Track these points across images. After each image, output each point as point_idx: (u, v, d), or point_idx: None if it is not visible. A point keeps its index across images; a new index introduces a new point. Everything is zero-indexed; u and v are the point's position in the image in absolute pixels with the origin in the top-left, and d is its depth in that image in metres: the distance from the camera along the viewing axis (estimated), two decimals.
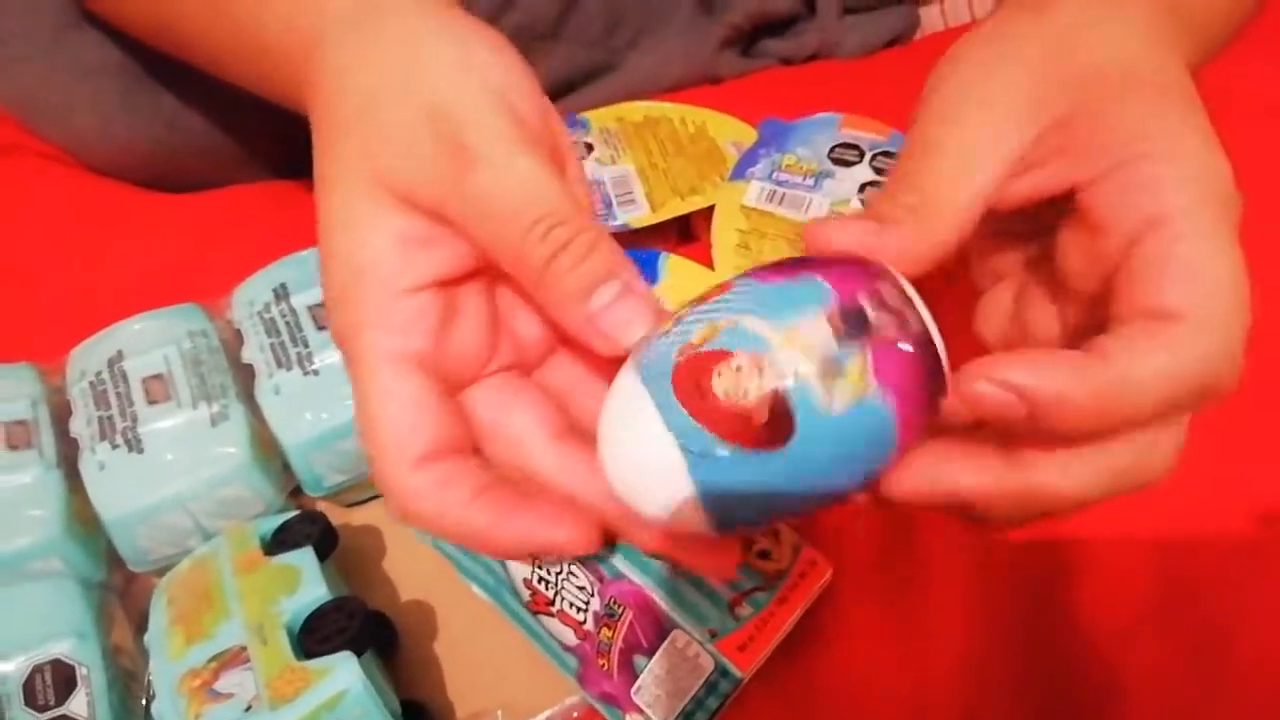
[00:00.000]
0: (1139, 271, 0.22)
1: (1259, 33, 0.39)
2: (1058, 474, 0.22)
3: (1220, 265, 0.22)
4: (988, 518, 0.23)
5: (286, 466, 0.38)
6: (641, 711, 0.30)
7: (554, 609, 0.31)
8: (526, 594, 0.32)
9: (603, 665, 0.30)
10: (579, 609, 0.30)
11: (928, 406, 0.21)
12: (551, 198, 0.25)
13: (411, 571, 0.38)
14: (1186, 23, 0.27)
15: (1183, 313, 0.21)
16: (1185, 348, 0.21)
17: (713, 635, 0.29)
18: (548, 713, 0.32)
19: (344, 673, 0.29)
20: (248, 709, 0.28)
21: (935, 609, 0.34)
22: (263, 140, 0.52)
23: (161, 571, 0.37)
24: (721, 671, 0.28)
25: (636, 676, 0.30)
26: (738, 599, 0.30)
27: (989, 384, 0.21)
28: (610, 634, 0.30)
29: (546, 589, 0.31)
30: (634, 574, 0.29)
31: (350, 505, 0.40)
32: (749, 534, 0.30)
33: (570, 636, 0.31)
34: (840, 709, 0.33)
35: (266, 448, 0.38)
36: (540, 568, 0.31)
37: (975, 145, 0.24)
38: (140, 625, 0.36)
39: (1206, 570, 0.33)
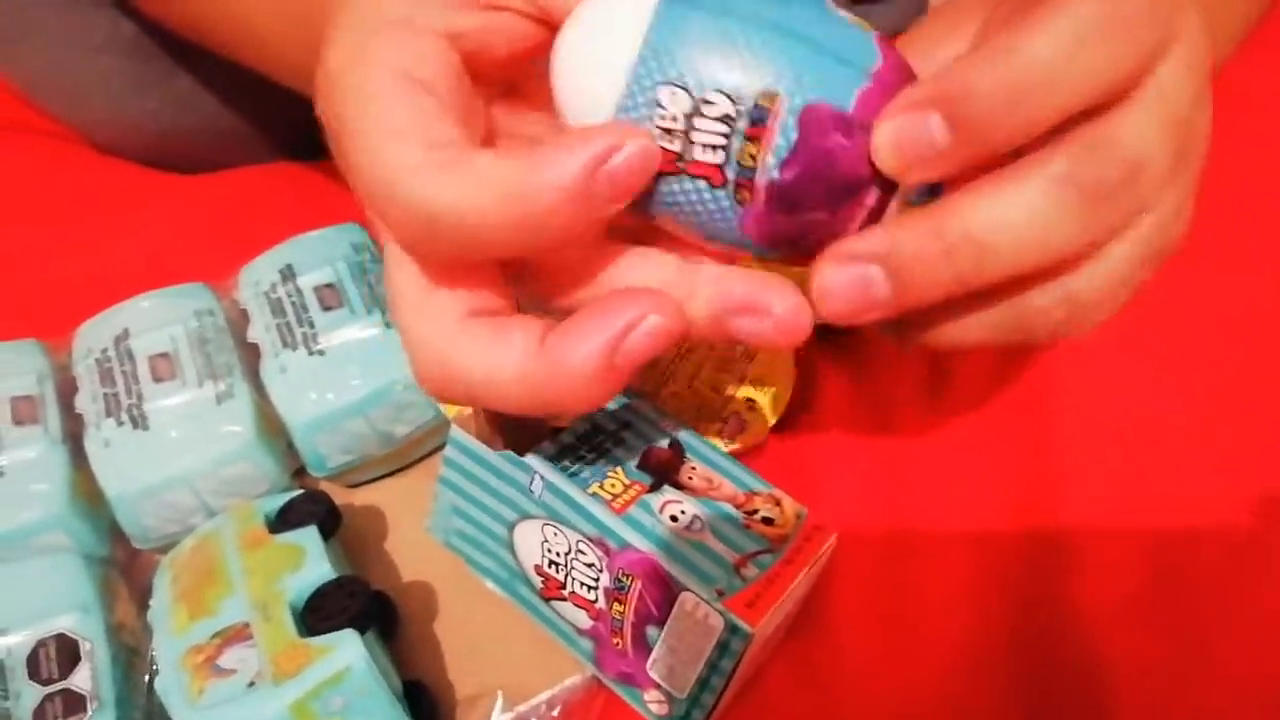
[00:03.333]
0: None
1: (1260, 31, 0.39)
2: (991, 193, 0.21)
3: None
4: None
5: (290, 446, 0.38)
6: (658, 686, 0.30)
7: (565, 592, 0.31)
8: (538, 581, 0.32)
9: (617, 644, 0.30)
10: (589, 587, 0.31)
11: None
12: None
13: (412, 553, 0.38)
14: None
15: None
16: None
17: (720, 594, 0.28)
18: (548, 694, 0.32)
19: (347, 650, 0.29)
20: (251, 684, 0.28)
21: (931, 600, 0.34)
22: (272, 122, 0.52)
23: (164, 549, 0.37)
24: (731, 629, 0.28)
25: (650, 650, 0.30)
26: (742, 561, 0.30)
27: (900, 117, 0.20)
28: (622, 608, 0.30)
29: (557, 572, 0.31)
30: (640, 541, 0.29)
31: (353, 486, 0.40)
32: None
33: (583, 619, 0.31)
34: (835, 701, 0.33)
35: (271, 427, 0.38)
36: (551, 552, 0.31)
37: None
38: (142, 601, 0.36)
39: (1197, 561, 0.33)
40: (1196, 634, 0.31)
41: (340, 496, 0.39)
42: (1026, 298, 0.22)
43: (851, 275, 0.21)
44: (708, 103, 0.21)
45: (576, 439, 0.32)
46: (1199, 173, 0.23)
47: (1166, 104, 0.21)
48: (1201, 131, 0.23)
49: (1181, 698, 0.31)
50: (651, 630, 0.30)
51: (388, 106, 0.21)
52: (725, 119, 0.21)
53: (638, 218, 0.23)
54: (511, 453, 0.31)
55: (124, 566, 0.38)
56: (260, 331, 0.39)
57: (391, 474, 0.41)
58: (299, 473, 0.40)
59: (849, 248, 0.22)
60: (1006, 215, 0.20)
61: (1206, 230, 0.37)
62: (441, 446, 0.40)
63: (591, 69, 0.22)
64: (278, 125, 0.52)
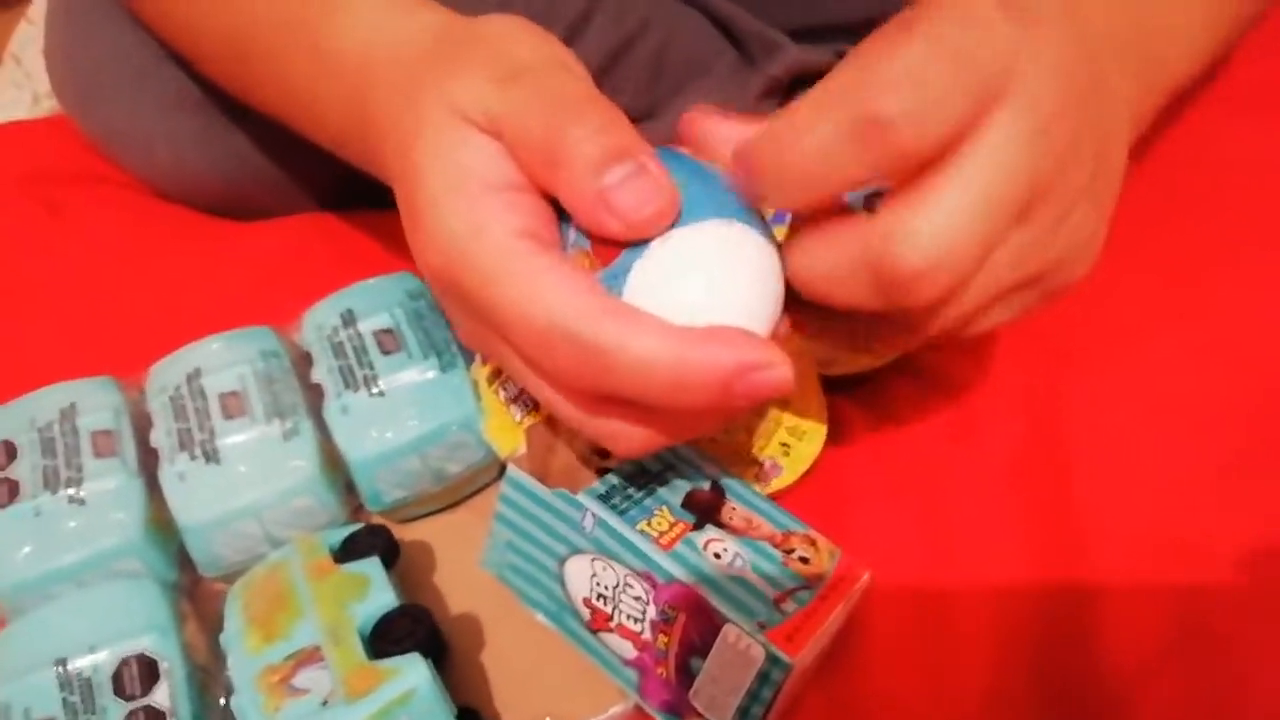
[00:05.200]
0: None
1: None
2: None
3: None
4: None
5: (349, 483, 0.41)
6: (700, 714, 0.32)
7: (612, 624, 0.33)
8: (587, 613, 0.34)
9: (661, 673, 0.32)
10: (636, 620, 0.33)
11: None
12: (575, 94, 0.27)
13: (461, 585, 0.40)
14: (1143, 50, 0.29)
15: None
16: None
17: (761, 627, 0.30)
18: None
19: (413, 672, 0.31)
20: (324, 703, 0.30)
21: (959, 642, 0.35)
22: (320, 175, 0.55)
23: (227, 577, 0.39)
24: (772, 660, 0.30)
25: (693, 680, 0.32)
26: (782, 597, 0.31)
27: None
28: (667, 639, 0.32)
29: (605, 605, 0.33)
30: (686, 576, 0.31)
31: (404, 521, 0.42)
32: None
33: (629, 650, 0.33)
34: None
35: (333, 464, 0.40)
36: (600, 585, 0.33)
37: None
38: (207, 625, 0.38)
39: (1226, 613, 0.33)
40: (1226, 691, 0.32)
41: (394, 531, 0.41)
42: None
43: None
44: None
45: (624, 479, 0.34)
46: (1076, 210, 0.26)
47: (987, 171, 0.24)
48: (1073, 178, 0.25)
49: None
50: (695, 661, 0.32)
51: (538, 266, 0.25)
52: None
53: None
54: (565, 491, 0.33)
55: (189, 592, 0.40)
56: (323, 373, 0.41)
57: (441, 510, 0.43)
58: (355, 509, 0.42)
59: None
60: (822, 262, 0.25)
61: (1229, 279, 0.39)
62: (490, 485, 0.43)
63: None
64: (325, 179, 0.55)
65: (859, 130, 0.23)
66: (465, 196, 0.27)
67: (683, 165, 0.27)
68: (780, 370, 0.24)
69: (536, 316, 0.25)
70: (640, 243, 0.26)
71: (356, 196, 0.53)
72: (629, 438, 0.27)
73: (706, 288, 0.25)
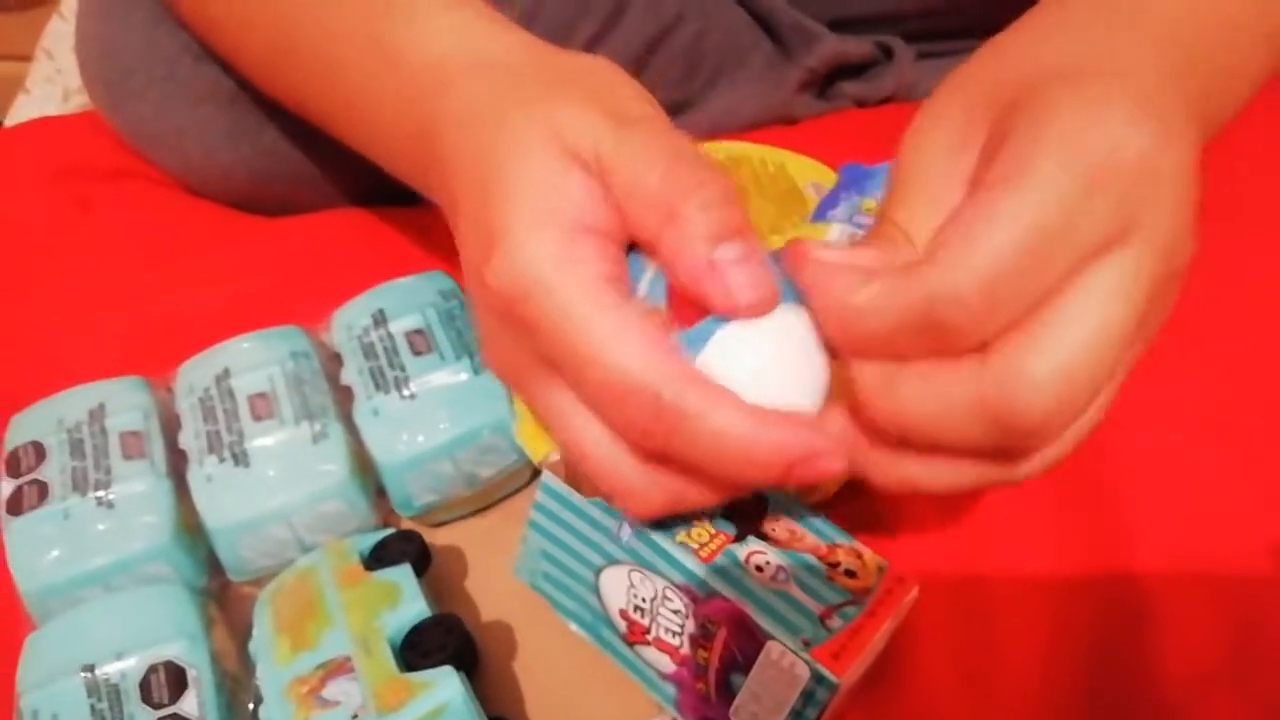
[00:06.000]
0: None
1: None
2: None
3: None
4: None
5: (379, 487, 0.40)
6: None
7: (650, 637, 0.32)
8: (623, 625, 0.33)
9: (701, 689, 0.31)
10: (674, 634, 0.32)
11: None
12: (695, 154, 0.26)
13: (492, 591, 0.40)
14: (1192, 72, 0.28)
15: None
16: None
17: (806, 644, 0.29)
18: None
19: (446, 686, 0.30)
20: (354, 717, 0.30)
21: (1007, 654, 0.34)
22: (353, 171, 0.54)
23: (257, 582, 0.39)
24: (818, 679, 0.29)
25: (734, 697, 0.31)
26: (827, 612, 0.30)
27: None
28: (706, 654, 0.31)
29: (642, 617, 0.32)
30: (727, 590, 0.30)
31: (436, 525, 0.42)
32: None
33: (667, 664, 0.32)
34: None
35: (363, 467, 0.39)
36: (637, 597, 0.32)
37: (932, 172, 0.27)
38: (236, 631, 0.38)
39: None
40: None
41: (424, 536, 0.41)
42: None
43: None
44: None
45: None
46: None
47: (1109, 310, 0.24)
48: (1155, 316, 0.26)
49: None
50: (736, 677, 0.31)
51: (628, 317, 0.25)
52: None
53: None
54: (602, 500, 0.32)
55: (218, 597, 0.40)
56: (353, 374, 0.41)
57: (473, 514, 0.42)
58: (386, 512, 0.41)
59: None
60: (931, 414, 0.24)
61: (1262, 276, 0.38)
62: (523, 489, 0.42)
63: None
64: (355, 175, 0.54)
65: (925, 327, 0.24)
66: (559, 228, 0.26)
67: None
68: (838, 462, 0.25)
69: (619, 367, 0.25)
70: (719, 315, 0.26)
71: (389, 193, 0.53)
72: (670, 493, 0.27)
73: (778, 370, 0.26)
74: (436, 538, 0.41)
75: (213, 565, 0.39)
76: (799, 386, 0.27)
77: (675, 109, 0.55)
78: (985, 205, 0.23)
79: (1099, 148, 0.23)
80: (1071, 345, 0.23)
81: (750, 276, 0.25)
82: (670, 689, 0.32)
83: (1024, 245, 0.23)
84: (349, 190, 0.55)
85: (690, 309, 0.26)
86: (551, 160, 0.27)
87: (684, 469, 0.26)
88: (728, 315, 0.26)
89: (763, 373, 0.26)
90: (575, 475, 0.34)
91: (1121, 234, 0.23)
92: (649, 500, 0.27)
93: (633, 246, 0.28)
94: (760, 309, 0.26)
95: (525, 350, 0.27)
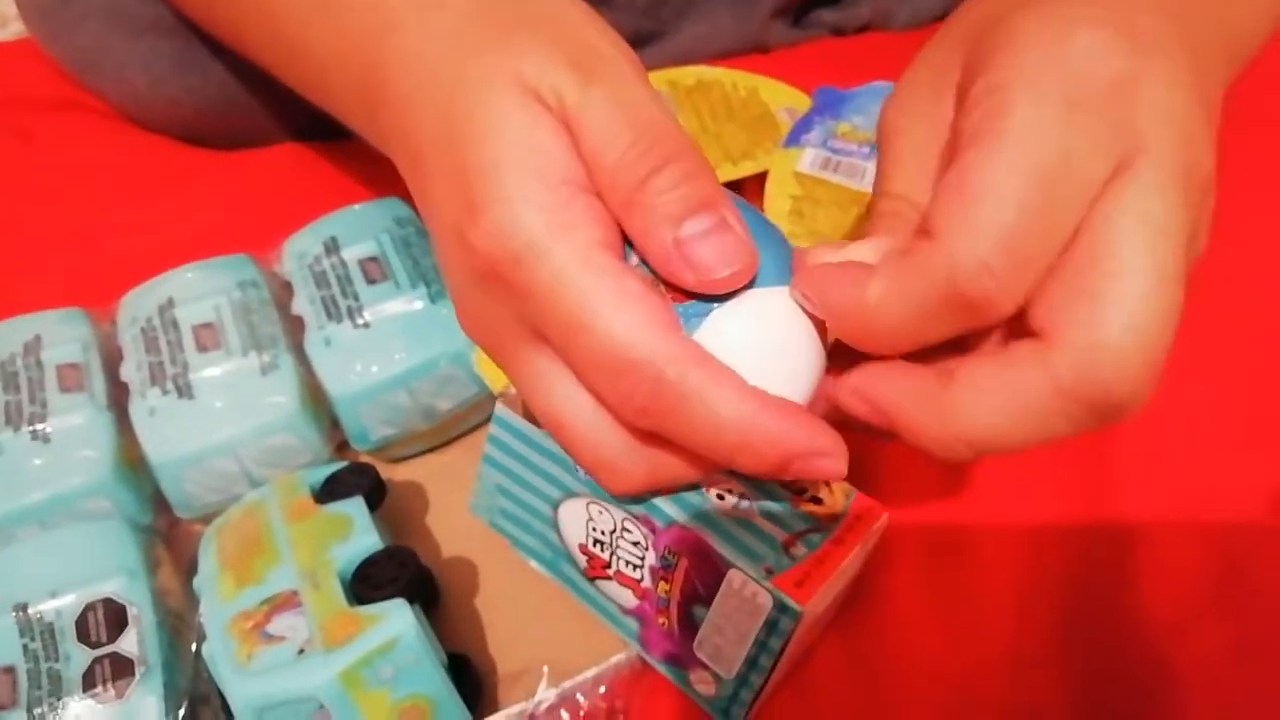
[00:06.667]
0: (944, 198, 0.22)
1: None
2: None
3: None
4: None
5: (334, 419, 0.38)
6: (705, 666, 0.30)
7: (610, 571, 0.31)
8: (583, 560, 0.32)
9: (663, 623, 0.30)
10: (635, 566, 0.30)
11: None
12: (660, 121, 0.24)
13: (453, 528, 0.38)
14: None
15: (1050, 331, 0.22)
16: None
17: (769, 573, 0.28)
18: (594, 671, 0.32)
19: (398, 619, 0.29)
20: (301, 651, 0.28)
21: (983, 595, 0.33)
22: (302, 104, 0.52)
23: (205, 519, 0.37)
24: (780, 608, 0.28)
25: (696, 630, 0.30)
26: (791, 540, 0.29)
27: (854, 397, 0.24)
28: (668, 587, 0.30)
29: (602, 551, 0.31)
30: (687, 519, 0.29)
31: (394, 461, 0.40)
32: None
33: (629, 598, 0.31)
34: (881, 696, 0.32)
35: (315, 399, 0.38)
36: (596, 530, 0.31)
37: (917, 127, 0.25)
38: (183, 569, 0.36)
39: (1267, 557, 0.32)
40: (1267, 636, 0.31)
41: (381, 471, 0.39)
42: None
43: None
44: None
45: None
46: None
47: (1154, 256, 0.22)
48: (1200, 223, 0.24)
49: (1251, 704, 0.30)
50: (698, 609, 0.30)
51: (628, 290, 0.23)
52: None
53: None
54: None
55: (165, 535, 0.38)
56: (304, 304, 0.39)
57: (433, 450, 0.41)
58: (341, 446, 0.40)
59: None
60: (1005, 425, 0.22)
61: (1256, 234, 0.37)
62: (484, 423, 0.41)
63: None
64: (307, 107, 0.52)
65: (953, 307, 0.22)
66: (548, 188, 0.24)
67: (754, 220, 0.26)
68: (839, 463, 0.24)
69: (619, 339, 0.23)
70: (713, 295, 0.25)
71: (337, 127, 0.50)
72: (654, 470, 0.26)
73: (775, 355, 0.25)
74: (396, 473, 0.40)
75: (159, 503, 0.38)
76: (796, 377, 0.25)
77: (646, 39, 0.53)
78: (976, 163, 0.22)
79: (1072, 71, 0.22)
80: (1135, 298, 0.21)
81: (719, 249, 0.23)
82: (633, 624, 0.31)
83: (1029, 193, 0.21)
84: (303, 122, 0.52)
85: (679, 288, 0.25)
86: (526, 114, 0.25)
87: (672, 448, 0.25)
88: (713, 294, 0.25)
89: (759, 354, 0.25)
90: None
91: (1126, 159, 0.22)
92: (631, 477, 0.26)
93: None
94: (737, 279, 0.24)
95: (509, 316, 0.25)
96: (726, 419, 0.23)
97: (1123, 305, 0.21)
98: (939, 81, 0.25)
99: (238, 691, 0.28)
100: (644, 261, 0.25)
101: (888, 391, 0.24)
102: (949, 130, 0.25)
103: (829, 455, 0.24)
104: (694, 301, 0.24)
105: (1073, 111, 0.21)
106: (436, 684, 0.29)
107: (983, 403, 0.22)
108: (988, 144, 0.22)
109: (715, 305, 0.24)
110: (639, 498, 0.29)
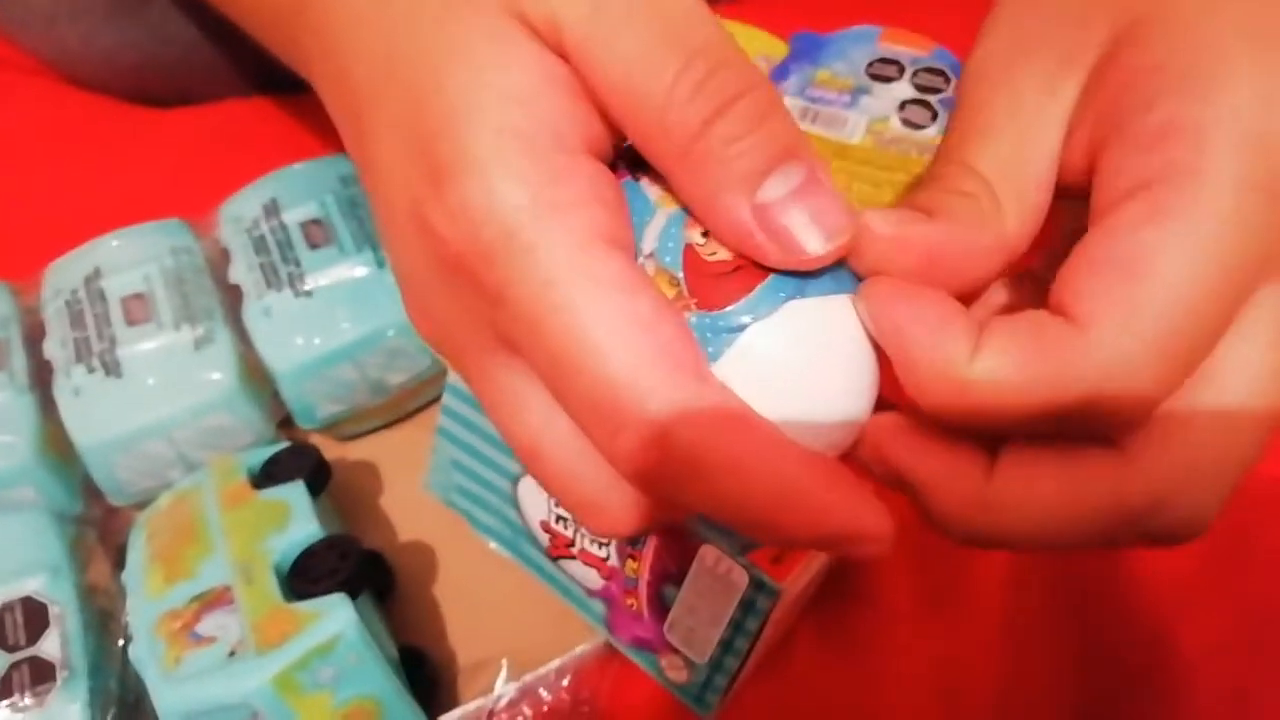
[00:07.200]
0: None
1: None
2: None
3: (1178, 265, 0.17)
4: None
5: (276, 395, 0.36)
6: (676, 650, 0.28)
7: (574, 550, 0.29)
8: (545, 539, 0.29)
9: (631, 605, 0.28)
10: (600, 544, 0.28)
11: None
12: (716, 38, 0.18)
13: (409, 511, 0.36)
14: None
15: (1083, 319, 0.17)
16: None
17: (744, 548, 0.26)
18: (557, 662, 0.30)
19: (337, 616, 0.26)
20: (231, 654, 0.26)
21: (972, 571, 0.31)
22: (250, 54, 0.49)
23: (142, 505, 0.34)
24: (757, 586, 0.26)
25: (667, 611, 0.27)
26: None
27: (873, 456, 0.20)
28: (636, 565, 0.28)
29: (565, 528, 0.29)
30: None
31: (345, 439, 0.38)
32: None
33: (594, 579, 0.29)
34: (866, 680, 0.30)
35: (255, 374, 0.35)
36: (558, 505, 0.28)
37: (1025, 101, 0.19)
38: (119, 562, 0.34)
39: (1267, 533, 0.30)
40: (1268, 613, 0.29)
41: (332, 450, 0.37)
42: None
43: None
44: None
45: None
46: None
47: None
48: None
49: (1252, 684, 0.29)
50: (668, 589, 0.27)
51: (639, 315, 0.18)
52: None
53: None
54: None
55: (100, 525, 0.35)
56: (242, 272, 0.36)
57: (386, 426, 0.38)
58: (287, 424, 0.37)
59: None
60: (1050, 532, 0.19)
61: None
62: (439, 397, 0.38)
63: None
64: (256, 58, 0.49)
65: (1086, 409, 0.18)
66: (535, 154, 0.18)
67: None
68: (884, 548, 0.19)
69: (618, 388, 0.17)
70: (763, 290, 0.19)
71: (291, 79, 0.47)
72: (649, 518, 0.20)
73: (822, 390, 0.19)
74: (347, 452, 0.38)
75: (91, 490, 0.35)
76: (848, 409, 0.20)
77: None
78: (1154, 245, 0.17)
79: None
80: (1239, 444, 0.18)
81: (816, 215, 0.18)
82: (599, 606, 0.29)
83: (1213, 303, 0.17)
84: (255, 75, 0.49)
85: (715, 279, 0.19)
86: (506, 47, 0.19)
87: (679, 507, 0.20)
88: (783, 272, 0.19)
89: (801, 388, 0.19)
90: None
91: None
92: (619, 522, 0.20)
93: (625, 161, 0.21)
94: (834, 256, 0.19)
95: (475, 320, 0.20)
96: (752, 496, 0.18)
97: (1223, 442, 0.18)
98: (1061, 57, 0.20)
99: (165, 699, 0.26)
100: (655, 251, 0.19)
101: (916, 466, 0.19)
102: (1063, 126, 0.20)
103: (875, 541, 0.18)
104: (730, 308, 0.19)
105: (1273, 204, 0.17)
106: (384, 684, 0.27)
107: (1035, 507, 0.18)
108: (1175, 219, 0.17)
109: (755, 316, 0.19)
110: (631, 540, 0.26)
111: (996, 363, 0.18)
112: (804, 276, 0.19)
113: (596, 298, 0.17)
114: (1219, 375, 0.18)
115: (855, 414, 0.20)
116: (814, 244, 0.18)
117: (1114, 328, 0.17)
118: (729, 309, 0.19)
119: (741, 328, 0.19)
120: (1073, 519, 0.18)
